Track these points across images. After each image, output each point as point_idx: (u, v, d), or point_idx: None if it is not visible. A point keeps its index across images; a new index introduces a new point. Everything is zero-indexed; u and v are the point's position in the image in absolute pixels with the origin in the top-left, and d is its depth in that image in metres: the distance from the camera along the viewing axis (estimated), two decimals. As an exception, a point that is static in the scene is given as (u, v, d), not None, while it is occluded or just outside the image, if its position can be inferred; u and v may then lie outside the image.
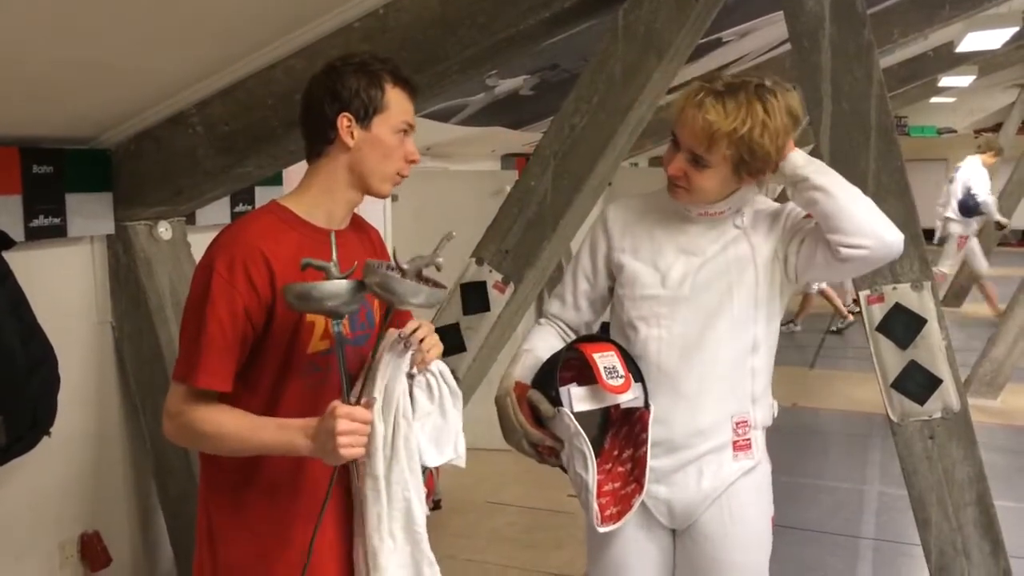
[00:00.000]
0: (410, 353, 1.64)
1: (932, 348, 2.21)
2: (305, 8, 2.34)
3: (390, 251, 1.88)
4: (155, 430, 2.84)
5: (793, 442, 5.53)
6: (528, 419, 1.89)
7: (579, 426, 1.84)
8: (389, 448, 1.62)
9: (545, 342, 2.05)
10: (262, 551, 1.68)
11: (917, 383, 2.21)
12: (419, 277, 1.58)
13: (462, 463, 1.71)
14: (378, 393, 1.61)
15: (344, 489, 1.70)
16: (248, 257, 1.58)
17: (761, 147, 1.76)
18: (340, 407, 1.51)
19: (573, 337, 2.07)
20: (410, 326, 1.66)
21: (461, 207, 4.72)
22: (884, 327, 2.23)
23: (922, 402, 2.22)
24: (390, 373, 1.62)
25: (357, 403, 1.56)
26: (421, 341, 1.65)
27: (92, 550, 2.81)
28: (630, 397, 1.86)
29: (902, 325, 2.21)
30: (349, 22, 2.41)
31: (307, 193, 1.71)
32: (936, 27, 5.70)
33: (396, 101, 1.68)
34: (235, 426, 1.59)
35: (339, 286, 1.52)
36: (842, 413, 6.09)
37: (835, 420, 6.01)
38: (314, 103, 1.67)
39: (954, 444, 2.22)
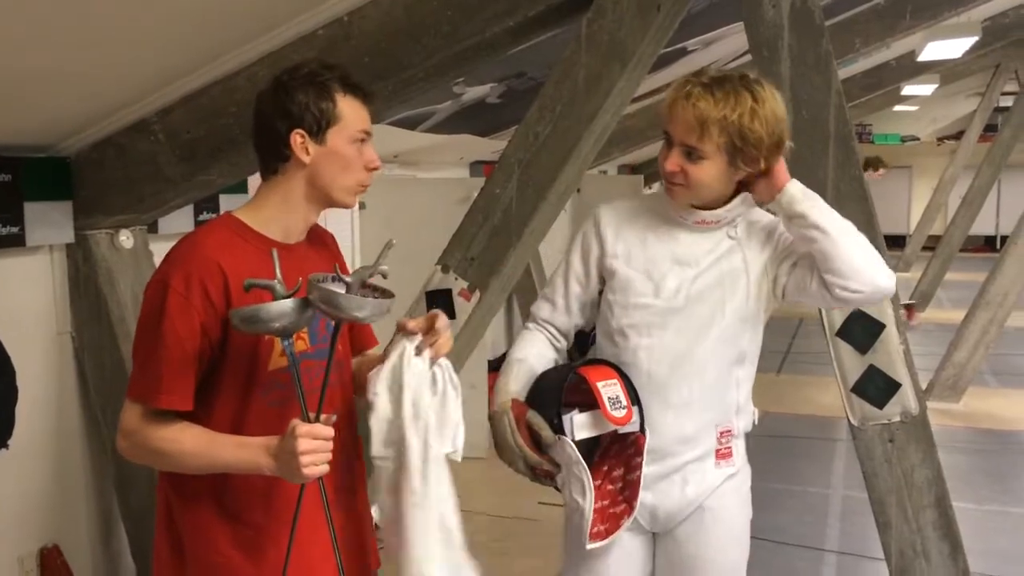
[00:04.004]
0: (427, 352, 1.61)
1: (891, 353, 2.24)
2: (268, 15, 2.33)
3: (348, 258, 1.87)
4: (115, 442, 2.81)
5: (761, 447, 5.57)
6: (527, 441, 1.86)
7: (580, 456, 1.84)
8: (421, 460, 1.59)
9: (536, 349, 2.02)
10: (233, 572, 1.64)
11: (876, 387, 2.24)
12: (363, 287, 1.55)
13: (458, 457, 1.68)
14: (409, 405, 1.57)
15: (321, 503, 1.66)
16: (205, 272, 1.55)
17: (753, 132, 1.75)
18: (300, 426, 1.48)
19: (562, 342, 2.06)
20: (440, 323, 1.63)
21: (429, 214, 4.72)
22: (844, 332, 2.26)
23: (881, 406, 2.25)
24: (415, 384, 1.59)
25: (316, 419, 1.53)
26: (433, 342, 1.62)
27: (52, 564, 2.76)
28: (630, 426, 1.87)
29: (861, 330, 2.24)
30: (313, 29, 2.40)
31: (263, 208, 1.67)
32: (897, 37, 5.80)
33: (349, 111, 1.63)
34: (193, 444, 1.55)
35: (283, 306, 1.48)
36: (809, 418, 6.15)
37: (802, 425, 6.06)
38: (265, 121, 1.63)
39: (913, 447, 2.25)
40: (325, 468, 1.51)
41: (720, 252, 1.89)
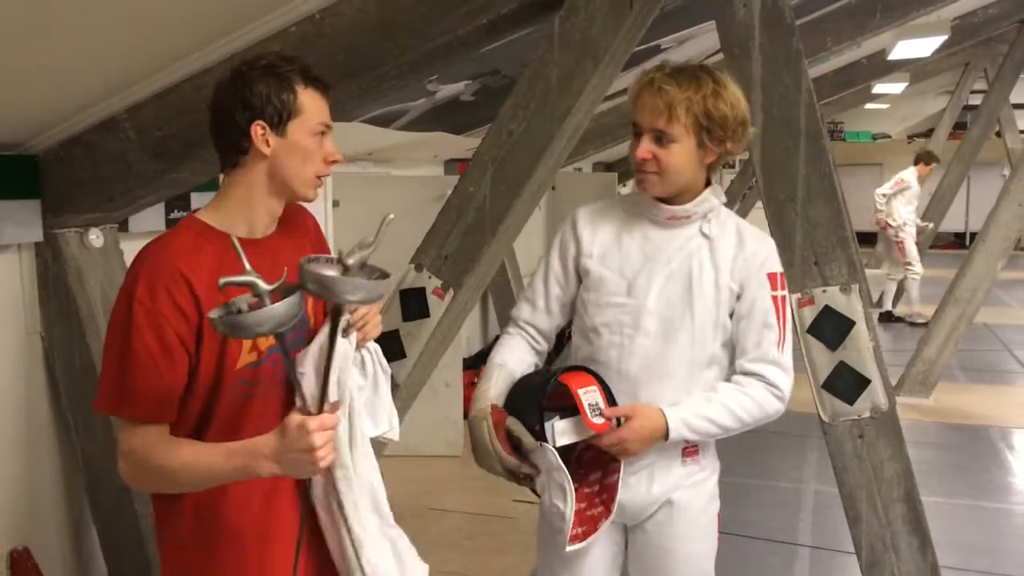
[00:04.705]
0: (354, 335, 1.61)
1: (860, 349, 2.26)
2: (240, 12, 2.31)
3: (330, 244, 1.85)
4: (86, 443, 2.78)
5: (733, 442, 5.62)
6: (505, 447, 1.89)
7: (562, 462, 1.85)
8: (347, 436, 1.59)
9: (516, 354, 2.05)
10: None
11: (846, 383, 2.26)
12: (362, 268, 1.52)
13: (395, 435, 1.71)
14: (333, 385, 1.55)
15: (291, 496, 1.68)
16: (169, 280, 1.51)
17: (718, 110, 1.81)
18: (309, 421, 1.44)
19: (543, 344, 2.09)
20: (359, 312, 1.63)
21: (404, 212, 4.69)
22: (814, 329, 2.29)
23: (851, 402, 2.28)
24: (340, 364, 1.57)
25: (320, 410, 1.50)
26: (362, 325, 1.63)
27: (22, 567, 2.72)
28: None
29: (831, 327, 2.26)
30: (285, 26, 2.38)
31: (225, 205, 1.64)
32: (868, 35, 5.85)
33: (310, 103, 1.61)
34: (188, 455, 1.53)
35: (273, 311, 1.41)
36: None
37: (774, 420, 6.11)
38: (224, 113, 1.60)
39: (883, 442, 2.28)
40: (334, 455, 1.51)
41: (691, 249, 1.91)
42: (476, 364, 6.42)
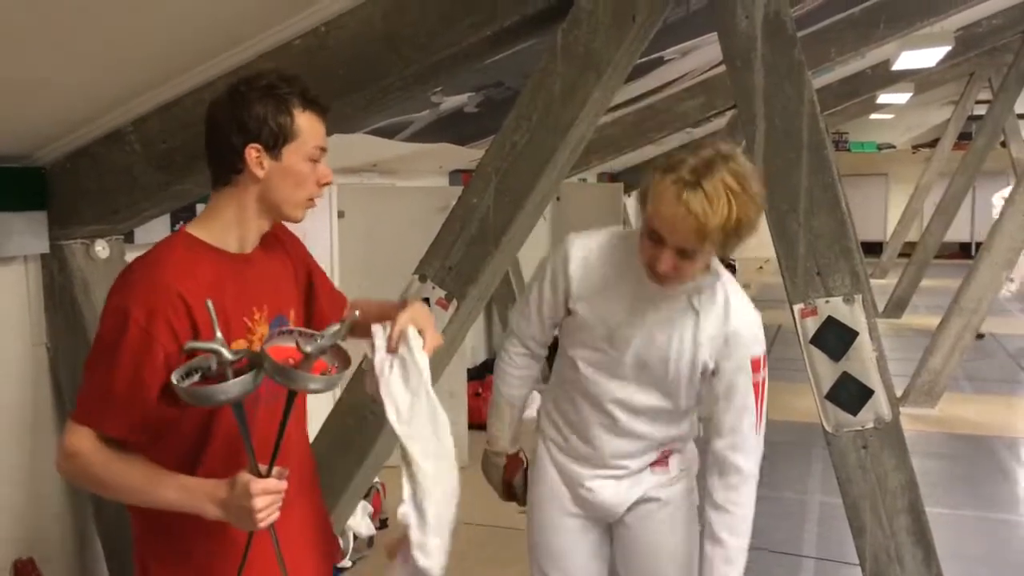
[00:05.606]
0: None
1: (864, 360, 2.26)
2: (244, 25, 2.33)
3: (326, 267, 1.85)
4: (92, 453, 2.78)
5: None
6: (506, 493, 2.31)
7: None
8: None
9: (517, 380, 2.18)
10: None
11: (850, 394, 2.25)
12: (326, 353, 1.53)
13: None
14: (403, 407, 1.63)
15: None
16: (169, 305, 1.49)
17: (748, 220, 1.71)
18: (254, 484, 1.45)
19: (543, 349, 2.18)
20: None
21: (409, 223, 4.71)
22: (817, 340, 2.28)
23: (855, 412, 2.27)
24: (399, 387, 1.63)
25: (268, 473, 1.50)
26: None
27: (26, 577, 2.73)
28: None
29: (835, 338, 2.26)
30: (289, 39, 2.40)
31: (216, 221, 1.62)
32: (872, 46, 5.86)
33: (307, 127, 1.58)
34: (138, 480, 1.51)
35: (233, 384, 1.45)
36: (786, 423, 6.18)
37: (779, 430, 6.07)
38: (219, 132, 1.57)
39: (886, 453, 2.27)
40: (277, 515, 1.50)
41: (675, 317, 1.92)
42: (480, 374, 6.42)
